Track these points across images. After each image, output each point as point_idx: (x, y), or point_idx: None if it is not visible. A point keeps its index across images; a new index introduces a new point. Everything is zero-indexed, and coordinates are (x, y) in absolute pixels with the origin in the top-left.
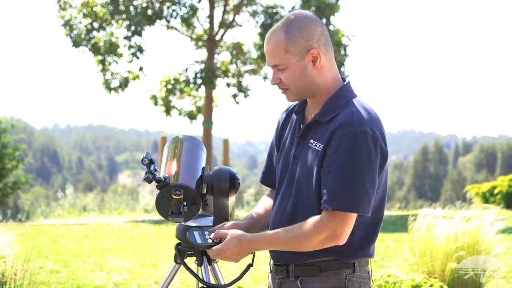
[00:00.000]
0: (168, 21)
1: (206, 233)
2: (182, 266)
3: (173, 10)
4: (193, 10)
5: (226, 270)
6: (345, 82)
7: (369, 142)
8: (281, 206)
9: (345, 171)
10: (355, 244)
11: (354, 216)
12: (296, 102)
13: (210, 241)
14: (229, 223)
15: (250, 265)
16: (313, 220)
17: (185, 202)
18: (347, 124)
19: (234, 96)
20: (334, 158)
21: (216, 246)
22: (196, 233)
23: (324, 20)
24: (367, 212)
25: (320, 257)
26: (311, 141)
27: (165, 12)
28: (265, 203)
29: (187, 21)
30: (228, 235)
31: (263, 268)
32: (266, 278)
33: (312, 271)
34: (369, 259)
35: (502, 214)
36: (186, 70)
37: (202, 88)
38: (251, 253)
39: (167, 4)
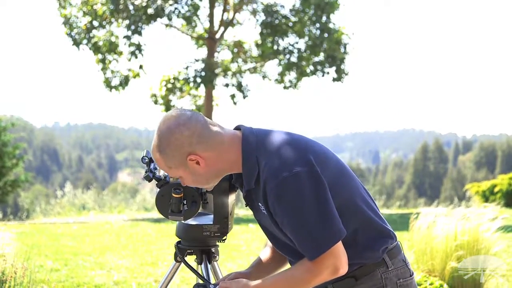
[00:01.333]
0: (170, 19)
1: (211, 286)
2: (182, 264)
3: (175, 8)
4: (195, 8)
5: (226, 268)
6: (241, 134)
7: (297, 182)
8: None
9: (295, 222)
10: (368, 246)
11: (339, 244)
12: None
13: None
14: (232, 274)
15: None
16: (310, 264)
17: (185, 201)
18: (268, 179)
19: (233, 96)
20: (280, 215)
21: None
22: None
23: (324, 18)
24: (343, 233)
25: (353, 266)
26: (259, 204)
27: (166, 10)
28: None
29: (188, 20)
30: (232, 285)
31: None
32: None
33: (349, 283)
34: (400, 246)
35: (502, 212)
36: (186, 68)
37: (202, 87)
38: None
39: (169, 1)
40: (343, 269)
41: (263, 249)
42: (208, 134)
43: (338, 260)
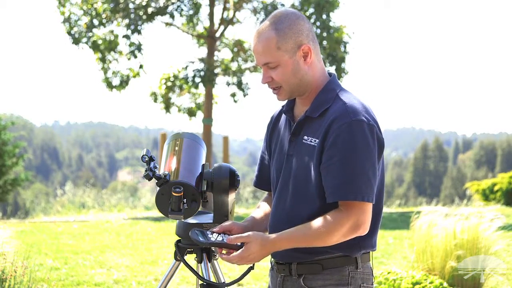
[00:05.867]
0: (173, 17)
1: (208, 232)
2: (182, 263)
3: (178, 6)
4: (196, 7)
5: (226, 267)
6: (330, 77)
7: (365, 130)
8: (279, 203)
9: (348, 161)
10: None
11: (370, 205)
12: (283, 104)
13: (213, 239)
14: (228, 222)
15: (251, 268)
16: (332, 214)
17: (185, 199)
18: (342, 115)
19: (233, 95)
20: (334, 150)
21: (239, 252)
22: (198, 232)
23: (324, 16)
24: (372, 200)
25: (323, 254)
26: (305, 137)
27: (169, 9)
28: (264, 207)
29: (190, 18)
30: (249, 238)
31: (263, 265)
32: (266, 275)
33: (315, 269)
34: (371, 254)
35: (502, 211)
36: (185, 68)
37: (201, 86)
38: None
39: (171, 0)
40: (364, 228)
41: (256, 210)
42: (317, 43)
43: (365, 216)
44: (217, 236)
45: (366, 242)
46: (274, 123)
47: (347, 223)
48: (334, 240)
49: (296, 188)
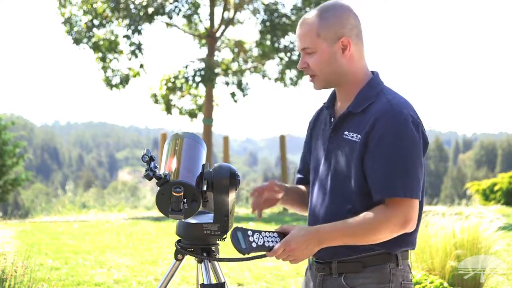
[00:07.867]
0: (171, 18)
1: (250, 232)
2: (182, 263)
3: (176, 7)
4: (195, 7)
5: (226, 267)
6: (373, 75)
7: (411, 127)
8: (317, 201)
9: (396, 158)
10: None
11: (417, 201)
12: (325, 101)
13: (254, 244)
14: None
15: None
16: (379, 209)
17: (185, 199)
18: (387, 112)
19: (233, 94)
20: (382, 147)
21: (283, 240)
22: (240, 235)
23: None
24: (419, 196)
25: (364, 252)
26: (346, 132)
27: (167, 9)
28: (299, 187)
29: (189, 18)
30: (292, 228)
31: (263, 265)
32: (266, 276)
33: (356, 267)
34: (409, 252)
35: (502, 211)
36: (186, 67)
37: (202, 87)
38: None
39: (170, 0)
40: (412, 225)
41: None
42: (362, 40)
43: (413, 212)
44: (258, 238)
45: (408, 239)
46: (314, 121)
47: (395, 219)
48: (381, 237)
49: (335, 185)
